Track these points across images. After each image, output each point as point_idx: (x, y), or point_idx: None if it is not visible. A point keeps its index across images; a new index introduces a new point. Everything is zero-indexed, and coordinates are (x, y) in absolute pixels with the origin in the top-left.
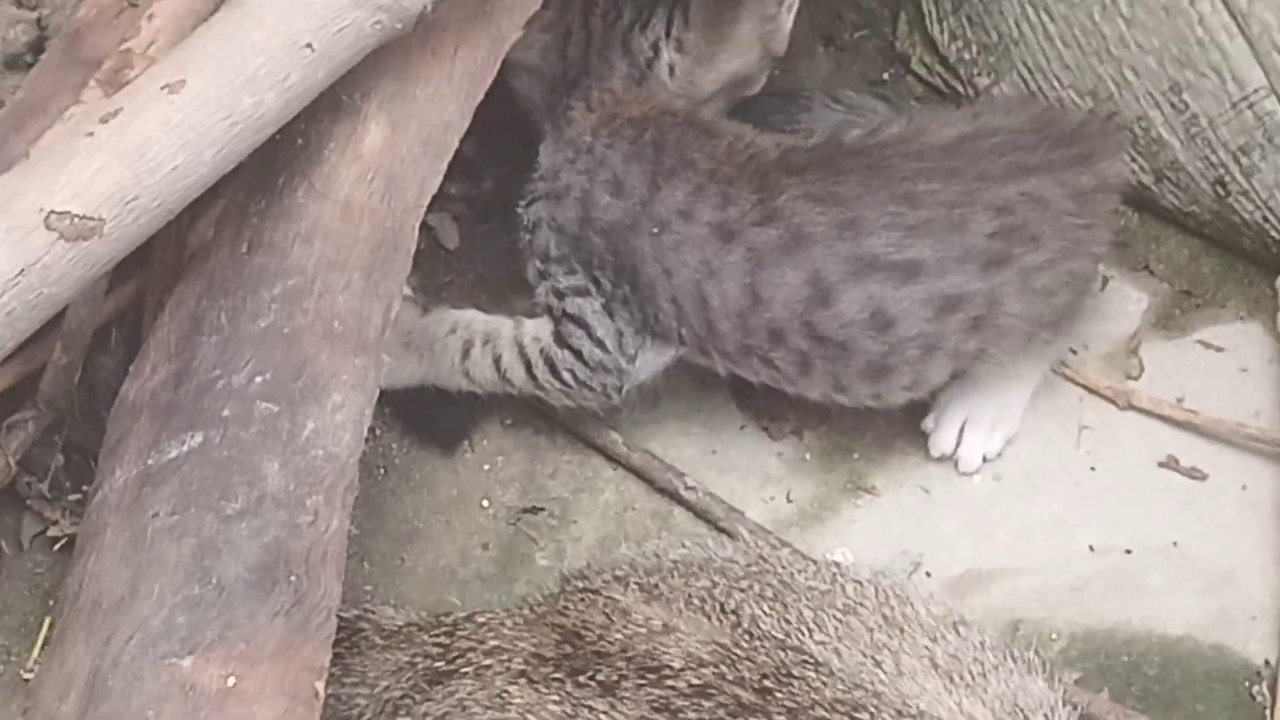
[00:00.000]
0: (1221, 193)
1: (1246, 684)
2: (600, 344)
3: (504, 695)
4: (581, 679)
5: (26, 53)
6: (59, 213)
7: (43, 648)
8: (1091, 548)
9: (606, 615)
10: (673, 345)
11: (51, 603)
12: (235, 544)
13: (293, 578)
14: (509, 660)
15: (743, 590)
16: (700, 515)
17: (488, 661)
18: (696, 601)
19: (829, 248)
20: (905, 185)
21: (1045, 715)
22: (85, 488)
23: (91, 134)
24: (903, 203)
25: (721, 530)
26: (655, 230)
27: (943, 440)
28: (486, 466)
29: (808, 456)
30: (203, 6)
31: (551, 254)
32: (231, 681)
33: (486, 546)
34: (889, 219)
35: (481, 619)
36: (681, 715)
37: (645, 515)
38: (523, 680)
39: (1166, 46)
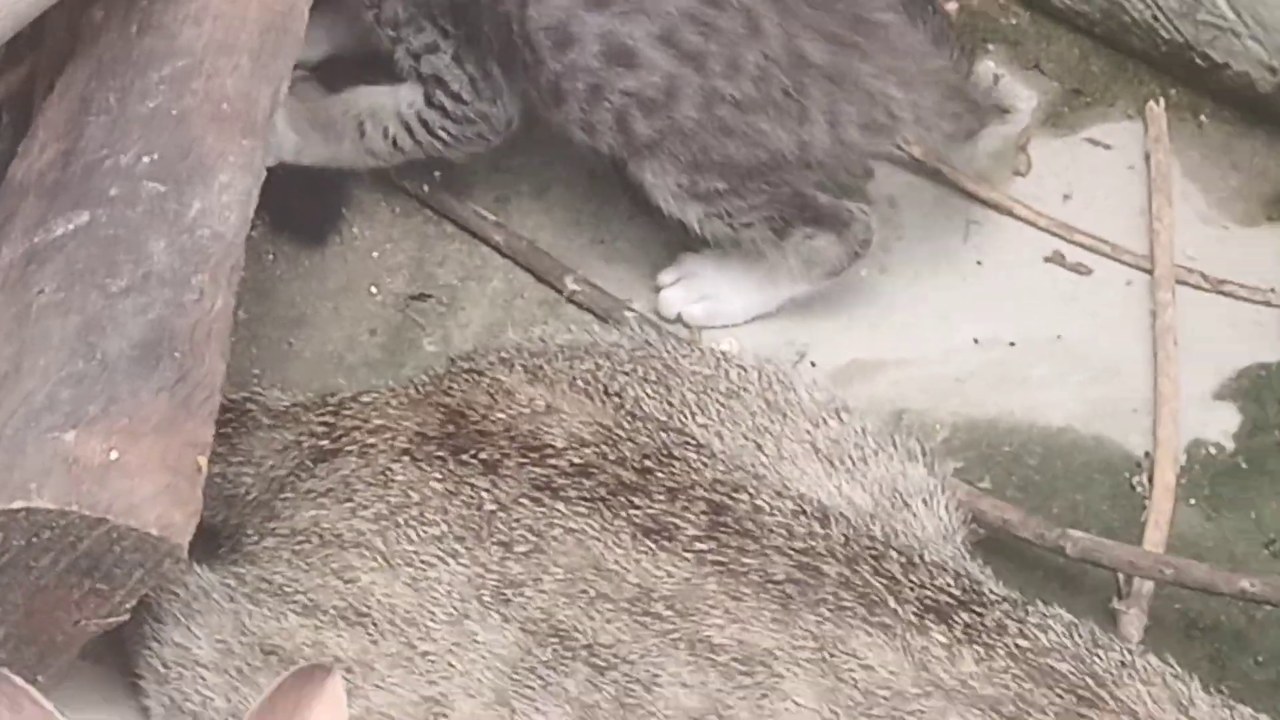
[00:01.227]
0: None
1: (1127, 475)
2: (457, 97)
3: (387, 473)
4: (464, 457)
5: None
6: None
7: None
8: (976, 340)
9: (490, 395)
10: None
11: None
12: (120, 321)
13: (177, 354)
14: (393, 439)
15: (627, 374)
16: (586, 307)
17: (372, 440)
18: (580, 384)
19: None
20: None
21: (924, 500)
22: None
23: None
24: None
25: (601, 316)
26: None
27: (671, 302)
28: (375, 254)
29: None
30: None
31: (400, 18)
32: (114, 455)
33: (374, 332)
34: None
35: (367, 399)
36: (563, 494)
37: (533, 304)
38: (406, 458)
39: None
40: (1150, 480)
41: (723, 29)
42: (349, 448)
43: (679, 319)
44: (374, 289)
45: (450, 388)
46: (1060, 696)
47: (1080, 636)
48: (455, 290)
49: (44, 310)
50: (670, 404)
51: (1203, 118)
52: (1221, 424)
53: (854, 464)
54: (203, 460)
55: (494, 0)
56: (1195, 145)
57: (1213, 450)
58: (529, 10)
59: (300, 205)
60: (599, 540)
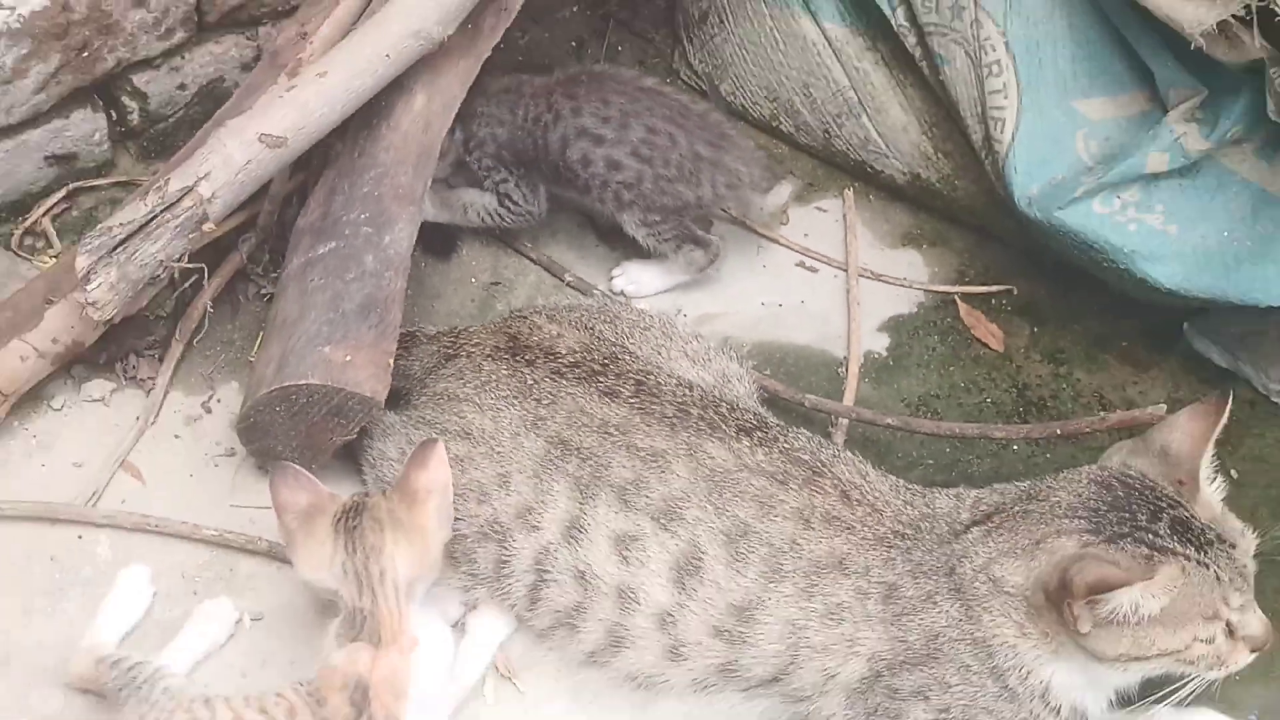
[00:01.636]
0: (827, 136)
1: (836, 368)
2: (516, 202)
3: (480, 366)
4: (517, 359)
5: (252, 62)
6: (265, 134)
7: (258, 346)
8: (763, 304)
9: (530, 329)
10: (542, 187)
11: (262, 325)
12: (351, 294)
13: (378, 310)
14: (482, 349)
15: (596, 319)
16: (575, 289)
17: (472, 349)
18: (573, 322)
19: (567, 120)
20: (606, 95)
21: (738, 379)
22: (275, 271)
23: (281, 97)
24: (601, 103)
25: (582, 292)
26: (520, 134)
27: (618, 284)
28: (473, 263)
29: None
30: (338, 36)
31: (486, 165)
32: (348, 358)
33: (473, 300)
34: (593, 109)
35: (471, 330)
36: (565, 376)
37: (549, 288)
38: (489, 360)
39: (800, 66)
40: (846, 370)
41: (659, 144)
42: (461, 353)
43: (621, 292)
44: (473, 280)
45: (510, 325)
46: (803, 471)
47: (813, 444)
48: (513, 281)
49: (315, 290)
50: (616, 333)
51: (870, 196)
52: (880, 343)
53: (705, 362)
54: (390, 360)
55: (545, 154)
56: (867, 209)
57: (876, 355)
58: (567, 153)
59: (437, 240)
60: (584, 399)
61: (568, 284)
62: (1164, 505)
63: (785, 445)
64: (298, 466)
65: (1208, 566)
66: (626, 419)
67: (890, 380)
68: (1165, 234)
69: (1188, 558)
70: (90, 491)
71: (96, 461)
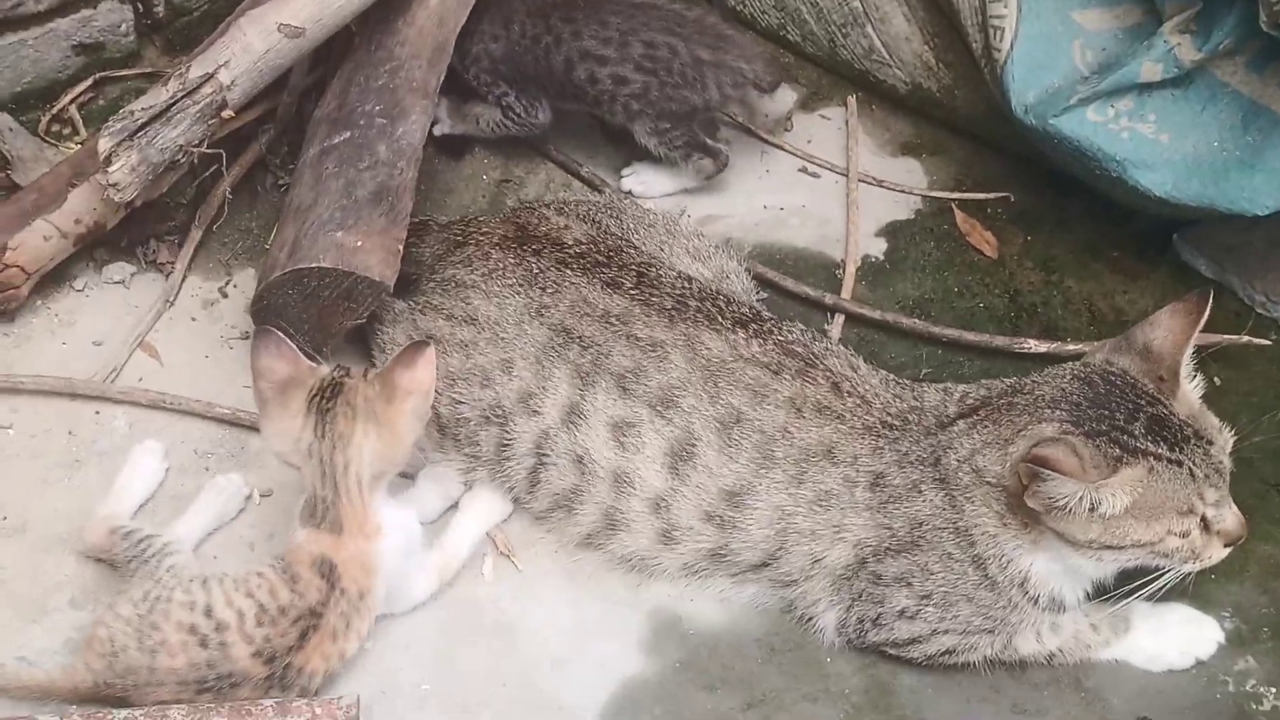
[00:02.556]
0: (832, 46)
1: (834, 269)
2: (517, 113)
3: (489, 254)
4: (524, 248)
5: None
6: (284, 24)
7: (274, 233)
8: (765, 206)
9: (539, 220)
10: (544, 99)
11: (278, 212)
12: (364, 182)
13: (390, 198)
14: (490, 237)
15: (603, 213)
16: (587, 183)
17: (480, 237)
18: (580, 215)
19: (568, 43)
20: (603, 16)
21: (736, 275)
22: (293, 163)
23: None
24: (599, 25)
25: (595, 188)
26: (517, 50)
27: (627, 184)
28: (485, 160)
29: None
30: None
31: (485, 80)
32: (359, 243)
33: (484, 195)
34: (592, 31)
35: (481, 219)
36: (570, 266)
37: (560, 185)
38: (497, 248)
39: None
40: (844, 271)
41: (660, 56)
42: (470, 241)
43: (629, 191)
44: (484, 177)
45: (519, 214)
46: (797, 361)
47: (807, 336)
48: (523, 178)
49: (328, 177)
50: (622, 228)
51: (873, 106)
52: (877, 247)
53: (706, 258)
54: (400, 246)
55: (549, 73)
56: (869, 118)
57: (873, 259)
58: (573, 74)
59: (452, 143)
60: (587, 289)
61: (582, 178)
62: (1143, 403)
63: (780, 338)
64: (280, 333)
65: (1181, 464)
66: (627, 309)
67: (886, 283)
68: (1157, 142)
69: (1158, 457)
70: (109, 369)
71: (115, 341)
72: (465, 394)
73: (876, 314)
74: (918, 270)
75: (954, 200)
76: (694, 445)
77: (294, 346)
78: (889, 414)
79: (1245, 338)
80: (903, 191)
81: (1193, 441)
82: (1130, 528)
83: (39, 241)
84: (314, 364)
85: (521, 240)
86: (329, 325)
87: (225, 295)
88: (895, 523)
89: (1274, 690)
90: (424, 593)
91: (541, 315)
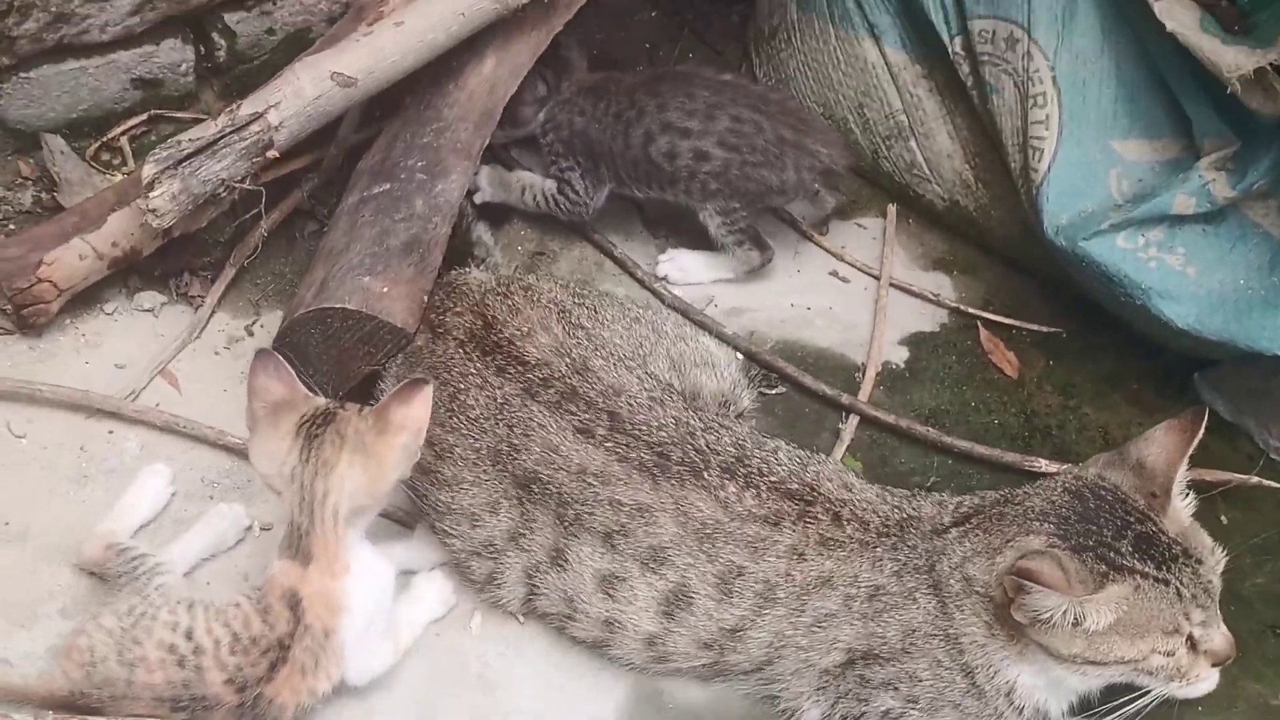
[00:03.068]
0: (875, 157)
1: (854, 373)
2: (576, 193)
3: (451, 359)
4: (488, 360)
5: (338, 16)
6: (337, 73)
7: (305, 275)
8: (792, 305)
9: (508, 310)
10: (607, 185)
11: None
12: (397, 233)
13: (421, 250)
14: (457, 331)
15: (575, 304)
16: (620, 264)
17: (449, 323)
18: (548, 309)
19: (652, 116)
20: (691, 89)
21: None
22: (328, 212)
23: (357, 41)
24: (686, 97)
25: (627, 271)
26: (597, 127)
27: (663, 269)
28: (521, 233)
29: (664, 245)
30: None
31: (557, 150)
32: (386, 289)
33: (517, 266)
34: (678, 104)
35: (456, 290)
36: (537, 396)
37: (593, 264)
38: (461, 351)
39: (857, 86)
40: (864, 376)
41: (745, 132)
42: (439, 329)
43: (665, 277)
44: (519, 248)
45: (488, 302)
46: (796, 504)
47: (797, 463)
48: (557, 253)
49: (363, 225)
50: (594, 321)
51: (909, 220)
52: (899, 355)
53: (683, 369)
54: (425, 298)
55: (625, 150)
56: (904, 231)
57: (894, 366)
58: (650, 149)
59: (490, 211)
60: (558, 436)
61: (615, 259)
62: (1132, 520)
63: (772, 479)
64: (281, 357)
65: (1168, 583)
66: (604, 467)
67: (904, 390)
68: (1184, 275)
69: (1145, 575)
70: (128, 391)
71: (138, 366)
72: (456, 530)
73: (891, 419)
74: (937, 382)
75: (980, 319)
76: (691, 597)
77: (291, 371)
78: (887, 525)
79: (1255, 478)
80: (928, 302)
81: (1181, 560)
82: (1115, 644)
83: (74, 260)
84: (311, 393)
85: (485, 347)
86: (347, 369)
87: (251, 334)
88: (889, 630)
89: None
90: (382, 664)
91: (514, 458)
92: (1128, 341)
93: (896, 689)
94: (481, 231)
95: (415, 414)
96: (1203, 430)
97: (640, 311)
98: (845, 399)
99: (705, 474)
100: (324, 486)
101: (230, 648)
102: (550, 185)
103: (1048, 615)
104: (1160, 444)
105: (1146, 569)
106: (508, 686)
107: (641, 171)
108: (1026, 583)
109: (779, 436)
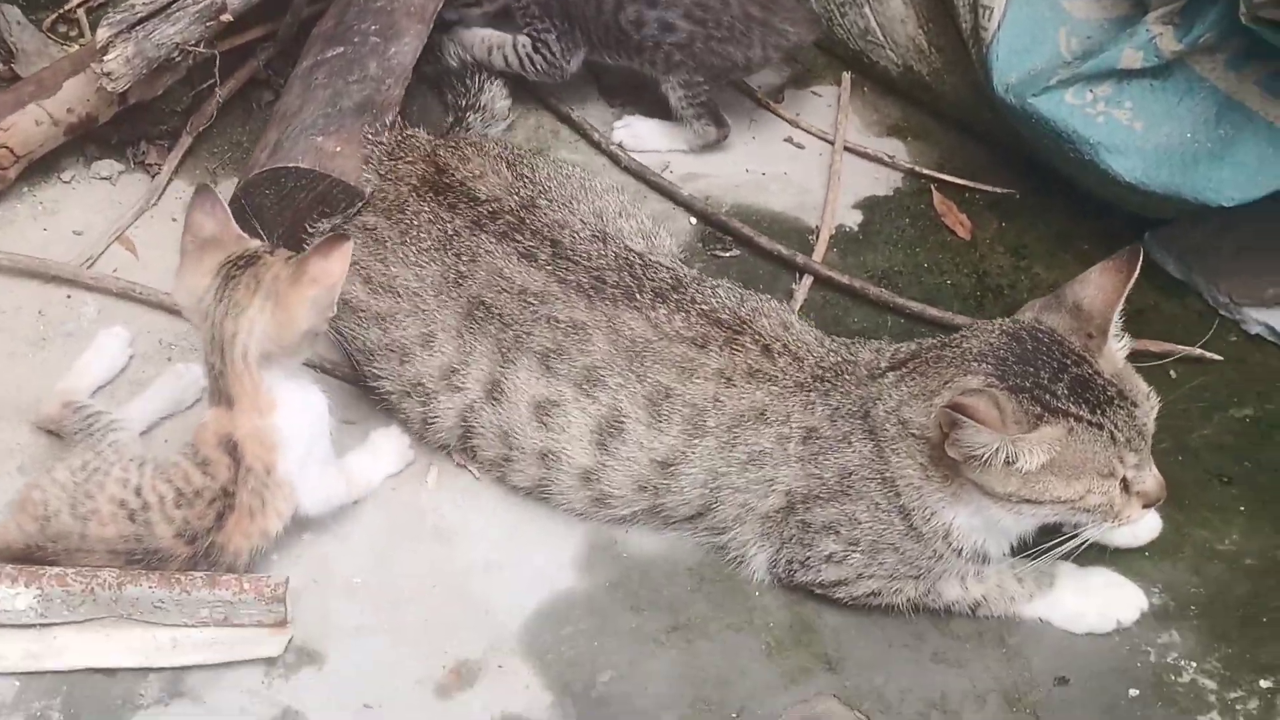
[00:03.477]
0: (829, 24)
1: (809, 235)
2: (552, 53)
3: (405, 203)
4: (440, 199)
5: None
6: None
7: (260, 138)
8: (747, 170)
9: (458, 159)
10: (581, 49)
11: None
12: (350, 94)
13: (374, 110)
14: (410, 178)
15: (519, 158)
16: (577, 129)
17: (402, 171)
18: (497, 156)
19: None
20: None
21: (651, 234)
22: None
23: None
24: None
25: (584, 135)
26: None
27: (618, 135)
28: None
29: (620, 114)
30: None
31: (533, 13)
32: (338, 149)
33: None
34: None
35: (409, 142)
36: (485, 227)
37: (549, 132)
38: (414, 195)
39: None
40: (817, 238)
41: (712, 6)
42: (391, 177)
43: (619, 144)
44: None
45: (439, 151)
46: (723, 332)
47: (733, 298)
48: (514, 121)
49: (316, 88)
50: (536, 176)
51: (864, 88)
52: (853, 219)
53: (626, 215)
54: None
55: (597, 14)
56: (859, 99)
57: (847, 229)
58: (620, 15)
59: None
60: (503, 260)
61: (572, 123)
62: (1068, 363)
63: (704, 306)
64: (218, 195)
65: (1102, 426)
66: (544, 287)
67: (858, 252)
68: (1131, 129)
69: (1079, 418)
70: (85, 257)
71: (96, 232)
72: (385, 369)
73: (844, 279)
74: (890, 244)
75: (934, 180)
76: (622, 422)
77: (228, 212)
78: (822, 368)
79: (1199, 350)
80: (883, 164)
81: (1116, 403)
82: (1049, 484)
83: (30, 125)
84: (244, 235)
85: (437, 188)
86: (299, 228)
87: None
88: (826, 472)
89: (1194, 665)
90: (338, 495)
91: (459, 285)
92: (1079, 202)
93: (837, 532)
94: (495, 94)
95: (331, 268)
96: (1138, 270)
97: (569, 169)
98: (800, 259)
99: (638, 295)
100: (233, 327)
101: (175, 502)
102: (524, 42)
103: (981, 452)
104: (1096, 285)
105: (1081, 412)
106: (464, 539)
107: (612, 38)
108: (961, 418)
109: None
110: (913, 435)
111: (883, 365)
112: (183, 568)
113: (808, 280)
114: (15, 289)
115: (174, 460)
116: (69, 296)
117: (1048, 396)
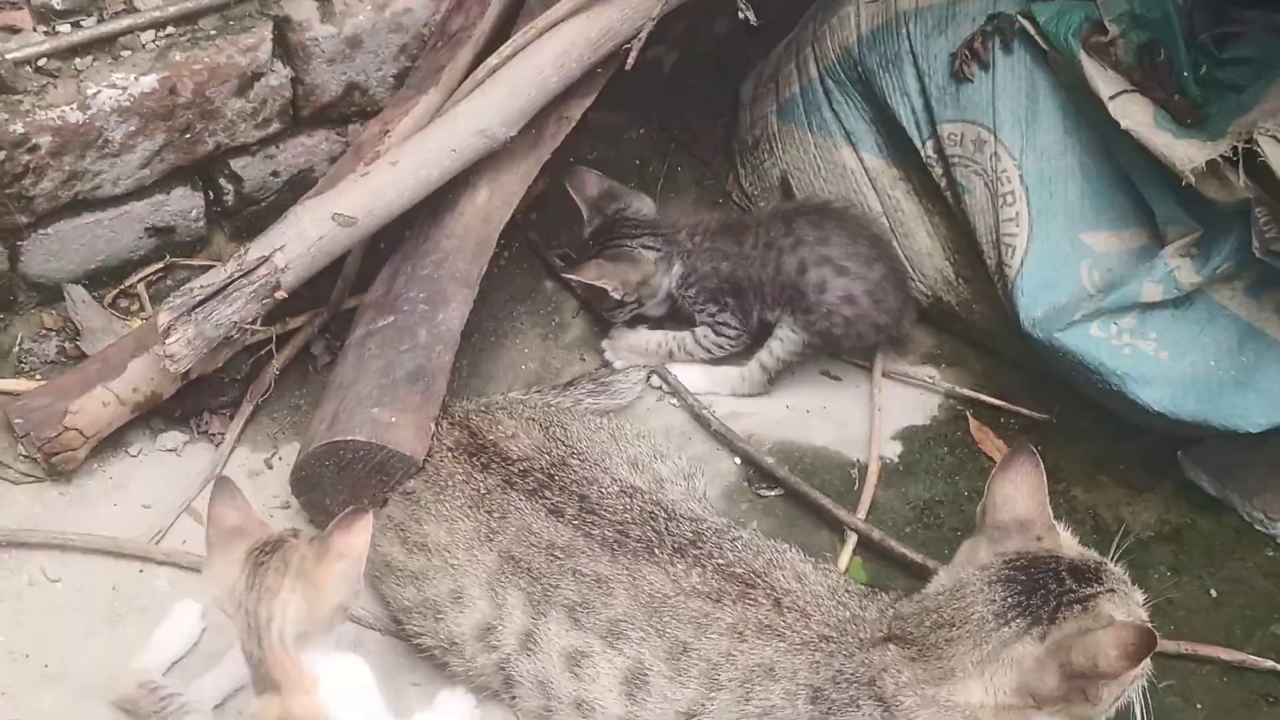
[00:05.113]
0: None
1: (850, 470)
2: (733, 330)
3: (439, 465)
4: (474, 460)
5: (339, 155)
6: (338, 214)
7: (317, 409)
8: (788, 407)
9: (490, 423)
10: (755, 310)
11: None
12: (402, 364)
13: (426, 379)
14: (444, 441)
15: (552, 418)
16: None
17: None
18: (529, 419)
19: (811, 247)
20: (853, 231)
21: (670, 479)
22: (339, 344)
23: (356, 181)
24: (849, 239)
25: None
26: (744, 263)
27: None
28: (524, 351)
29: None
30: (414, 131)
31: (700, 302)
32: (394, 419)
33: (522, 385)
34: (841, 241)
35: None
36: (515, 486)
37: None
38: (449, 457)
39: (839, 191)
40: (860, 474)
41: (886, 289)
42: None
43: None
44: (522, 366)
45: (471, 418)
46: (736, 586)
47: (749, 552)
48: (559, 371)
49: (370, 358)
50: (568, 435)
51: None
52: (893, 450)
53: (642, 467)
54: (432, 425)
55: (775, 275)
56: None
57: (888, 461)
58: (802, 278)
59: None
60: (531, 516)
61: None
62: (1059, 565)
63: (720, 561)
64: (237, 486)
65: (1114, 590)
66: (570, 541)
67: (899, 484)
68: (1157, 359)
69: (1108, 589)
70: (155, 531)
71: (164, 505)
72: (421, 626)
73: (889, 542)
74: (930, 474)
75: (972, 403)
76: (646, 675)
77: (248, 502)
78: (827, 625)
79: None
80: (927, 386)
81: (1102, 567)
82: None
83: (98, 407)
84: (265, 522)
85: (471, 450)
86: (361, 498)
87: (270, 467)
88: None
89: None
90: None
91: (490, 540)
92: (1113, 424)
93: None
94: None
95: (355, 541)
96: (1041, 464)
97: (599, 423)
98: (843, 514)
99: (658, 550)
100: (267, 612)
101: None
102: (705, 333)
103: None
104: (1022, 492)
105: (1095, 588)
106: None
107: (785, 297)
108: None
109: (778, 537)
110: (944, 705)
111: (882, 632)
112: None
113: (852, 540)
114: (89, 566)
115: None
116: (141, 571)
117: (1070, 595)
